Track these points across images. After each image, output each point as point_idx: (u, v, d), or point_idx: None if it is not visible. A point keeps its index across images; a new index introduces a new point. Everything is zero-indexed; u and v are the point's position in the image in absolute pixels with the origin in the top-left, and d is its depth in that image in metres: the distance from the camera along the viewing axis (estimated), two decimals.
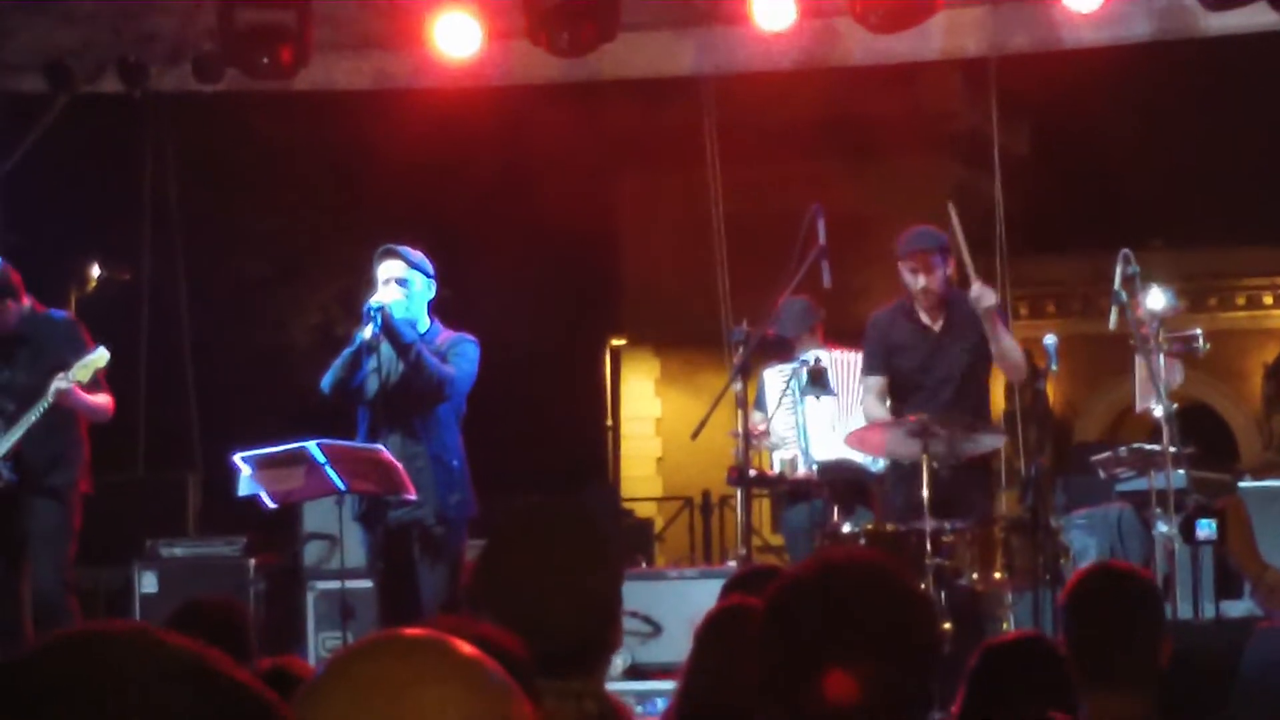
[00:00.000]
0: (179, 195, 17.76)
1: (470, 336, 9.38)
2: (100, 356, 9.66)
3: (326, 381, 9.32)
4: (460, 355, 9.28)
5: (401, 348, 9.11)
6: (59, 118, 12.99)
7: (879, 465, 10.46)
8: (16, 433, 9.66)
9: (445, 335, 9.37)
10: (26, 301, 9.89)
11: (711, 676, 4.14)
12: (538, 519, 3.81)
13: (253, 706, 1.59)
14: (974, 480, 9.76)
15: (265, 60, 11.95)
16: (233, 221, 19.16)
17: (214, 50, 12.21)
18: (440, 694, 1.83)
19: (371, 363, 9.19)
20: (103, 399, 9.88)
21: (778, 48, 12.18)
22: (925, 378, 9.83)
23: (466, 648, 1.89)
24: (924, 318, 9.95)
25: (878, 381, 10.07)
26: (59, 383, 9.53)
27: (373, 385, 9.24)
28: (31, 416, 9.61)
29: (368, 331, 9.15)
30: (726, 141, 14.25)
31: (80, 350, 9.73)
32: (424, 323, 9.37)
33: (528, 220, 20.10)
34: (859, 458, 10.49)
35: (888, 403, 10.00)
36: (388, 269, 9.32)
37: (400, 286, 9.26)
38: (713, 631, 4.26)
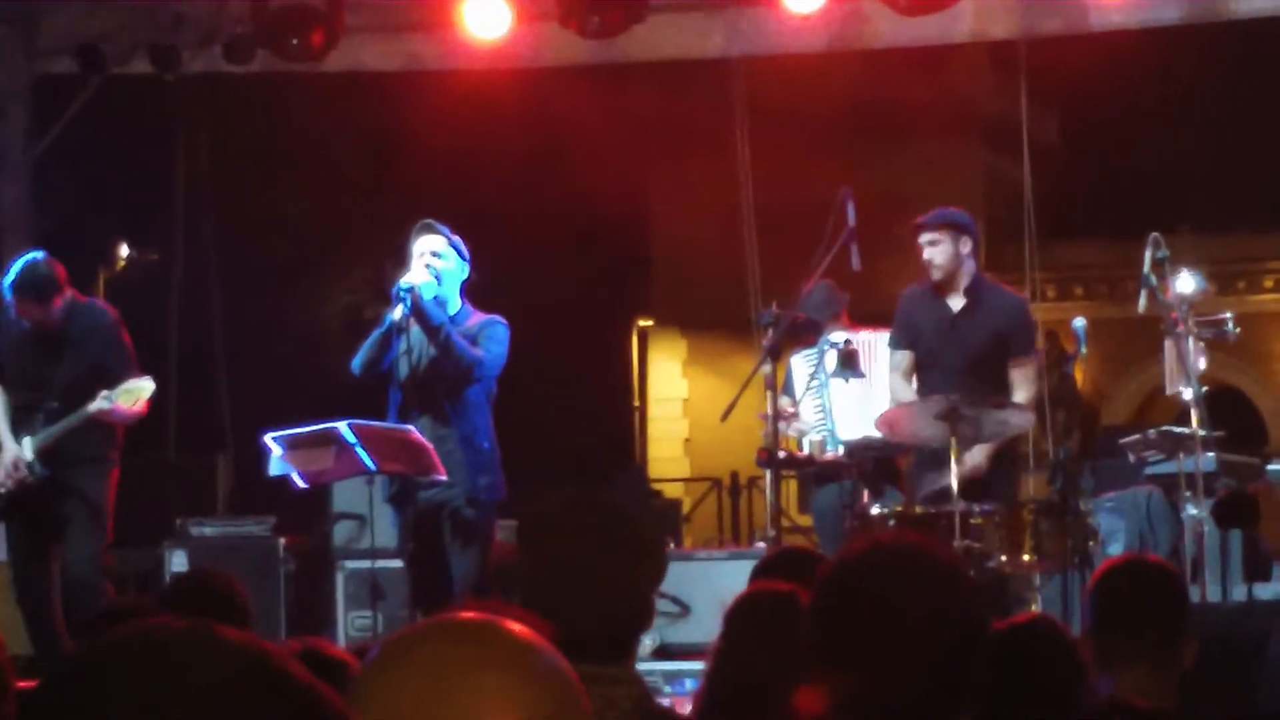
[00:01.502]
0: (210, 177, 17.83)
1: (500, 319, 9.37)
2: (146, 387, 9.66)
3: (357, 363, 9.34)
4: (490, 338, 9.28)
5: (430, 329, 9.11)
6: (91, 100, 13.02)
7: None
8: (51, 433, 9.69)
9: (476, 318, 9.37)
10: (69, 293, 9.88)
11: (741, 659, 4.16)
12: (568, 507, 3.84)
13: (318, 708, 1.57)
14: (1000, 463, 9.77)
15: (296, 42, 12.00)
16: (263, 203, 19.15)
17: (245, 32, 12.26)
18: (499, 679, 1.80)
19: (402, 345, 9.19)
20: (138, 407, 9.88)
21: (807, 30, 12.20)
22: (938, 357, 9.83)
23: (522, 631, 1.85)
24: (945, 297, 9.96)
25: (902, 357, 10.10)
26: (101, 403, 9.54)
27: (403, 367, 9.24)
28: (69, 422, 9.64)
29: (397, 313, 9.15)
30: (756, 124, 14.22)
31: (120, 354, 9.76)
32: (455, 304, 9.37)
33: (557, 202, 20.07)
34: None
35: (913, 381, 10.00)
36: (426, 243, 9.32)
37: (437, 259, 9.27)
38: (742, 615, 4.28)
